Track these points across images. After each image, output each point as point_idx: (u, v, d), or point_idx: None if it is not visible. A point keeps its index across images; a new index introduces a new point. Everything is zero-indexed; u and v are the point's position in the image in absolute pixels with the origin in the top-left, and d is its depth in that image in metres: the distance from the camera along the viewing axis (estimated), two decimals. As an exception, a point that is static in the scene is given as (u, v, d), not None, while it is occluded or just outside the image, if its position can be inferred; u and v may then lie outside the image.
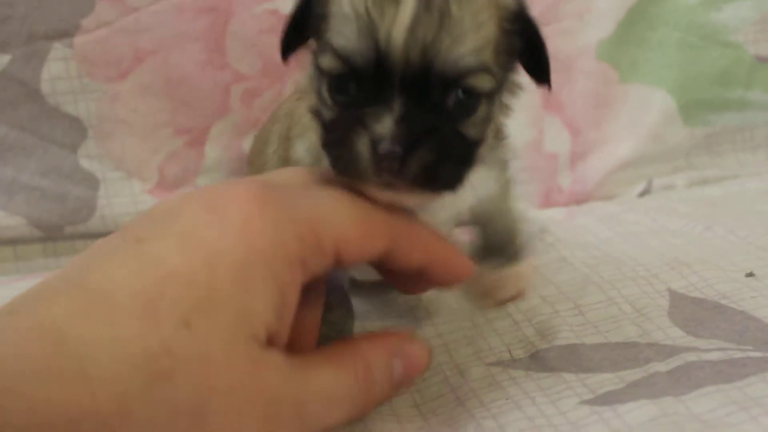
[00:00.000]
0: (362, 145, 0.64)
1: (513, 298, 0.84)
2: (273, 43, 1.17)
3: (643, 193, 1.29)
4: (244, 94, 1.20)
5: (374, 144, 0.63)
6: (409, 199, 0.67)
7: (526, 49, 0.72)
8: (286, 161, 0.86)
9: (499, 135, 0.80)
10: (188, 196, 0.62)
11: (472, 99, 0.68)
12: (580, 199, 1.27)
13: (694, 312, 0.87)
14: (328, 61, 0.67)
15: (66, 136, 1.18)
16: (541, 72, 0.74)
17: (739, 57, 1.30)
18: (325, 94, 0.70)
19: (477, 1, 0.67)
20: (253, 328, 0.56)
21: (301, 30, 0.73)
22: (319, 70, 0.69)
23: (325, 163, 0.69)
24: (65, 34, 1.15)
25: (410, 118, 0.64)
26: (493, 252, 0.86)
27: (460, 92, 0.67)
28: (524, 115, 1.25)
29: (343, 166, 0.66)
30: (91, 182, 1.19)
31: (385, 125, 0.63)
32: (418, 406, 0.78)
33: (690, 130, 1.31)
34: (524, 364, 0.82)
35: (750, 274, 0.94)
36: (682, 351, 0.79)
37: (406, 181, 0.64)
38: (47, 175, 1.17)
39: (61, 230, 1.19)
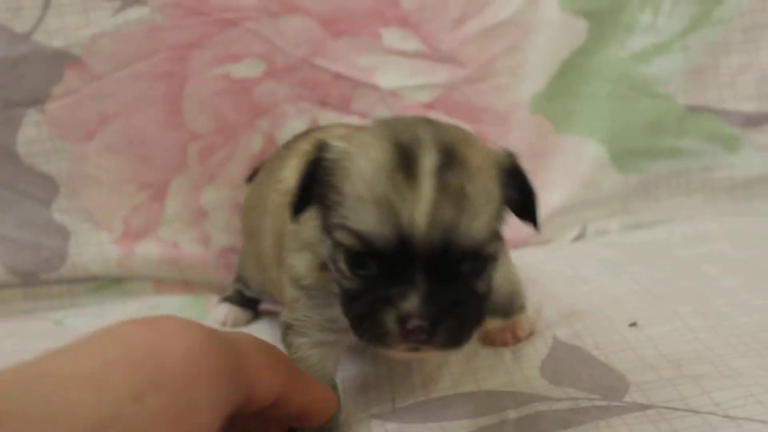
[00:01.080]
0: (391, 322, 0.69)
1: (525, 337, 1.01)
2: (225, 103, 1.30)
3: (578, 238, 1.36)
4: (200, 152, 1.31)
5: (402, 320, 0.68)
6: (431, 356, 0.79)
7: (519, 196, 0.78)
8: (281, 262, 0.90)
9: None
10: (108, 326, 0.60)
11: (483, 262, 0.73)
12: (517, 244, 1.34)
13: (566, 361, 0.95)
14: (346, 239, 0.71)
15: (40, 192, 1.30)
16: (530, 215, 0.80)
17: (669, 107, 1.36)
18: (343, 266, 0.73)
19: (484, 173, 0.71)
20: (195, 423, 0.56)
21: (308, 196, 0.77)
22: (335, 242, 0.73)
23: (329, 286, 0.79)
24: (38, 101, 1.27)
25: (434, 294, 0.69)
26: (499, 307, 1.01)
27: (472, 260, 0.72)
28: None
29: (370, 336, 0.71)
30: (63, 233, 1.31)
31: (412, 303, 0.68)
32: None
33: (624, 177, 1.37)
34: (400, 416, 0.90)
35: (633, 324, 1.01)
36: (537, 400, 0.87)
37: (433, 347, 0.70)
38: (23, 228, 1.30)
39: (37, 276, 1.31)
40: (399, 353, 0.72)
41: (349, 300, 0.74)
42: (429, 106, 1.33)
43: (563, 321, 1.04)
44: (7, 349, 1.17)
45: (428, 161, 0.70)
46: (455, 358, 0.99)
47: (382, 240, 0.69)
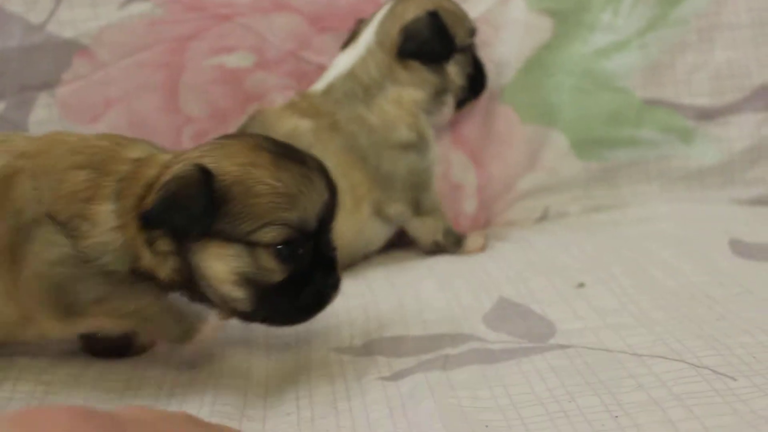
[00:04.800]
0: None
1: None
2: (219, 91, 1.43)
3: (540, 219, 1.47)
4: (194, 135, 1.43)
5: None
6: None
7: None
8: None
9: None
10: None
11: None
12: (483, 224, 1.46)
13: (506, 313, 1.07)
14: None
15: (50, 169, 1.43)
16: None
17: (627, 100, 1.47)
18: None
19: None
20: None
21: None
22: None
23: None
24: (49, 85, 1.40)
25: None
26: None
27: None
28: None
29: None
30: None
31: None
32: (269, 373, 0.99)
33: (586, 164, 1.48)
34: (356, 351, 1.02)
35: (581, 285, 1.13)
36: (473, 340, 0.98)
37: None
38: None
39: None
40: None
41: None
42: (405, 95, 1.45)
43: (508, 283, 1.16)
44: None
45: None
46: (409, 307, 1.11)
47: None
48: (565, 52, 1.47)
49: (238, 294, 0.89)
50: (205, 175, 0.86)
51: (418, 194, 1.33)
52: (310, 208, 0.89)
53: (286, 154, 0.90)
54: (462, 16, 1.37)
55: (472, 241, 1.35)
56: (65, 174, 0.91)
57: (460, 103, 1.41)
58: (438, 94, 1.36)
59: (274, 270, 0.88)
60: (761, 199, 1.47)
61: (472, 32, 1.38)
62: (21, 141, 0.96)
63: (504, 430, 0.78)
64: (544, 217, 1.47)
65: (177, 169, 0.88)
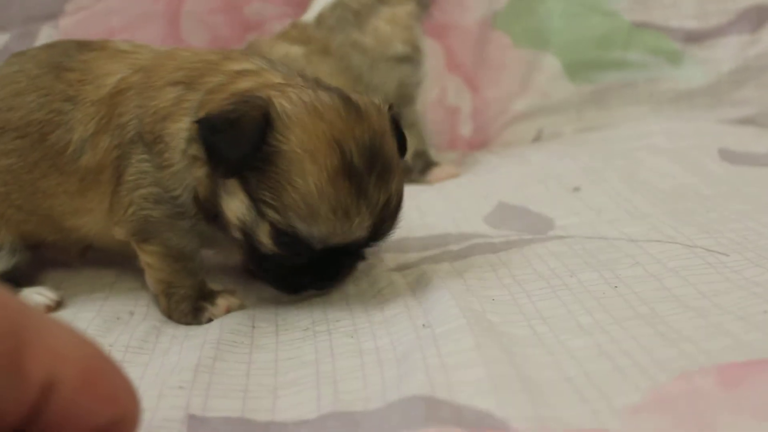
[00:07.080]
0: None
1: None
2: (219, 20, 1.45)
3: (535, 140, 1.52)
4: (196, 63, 1.47)
5: None
6: None
7: None
8: None
9: None
10: None
11: None
12: (479, 145, 1.51)
13: (505, 214, 1.12)
14: None
15: (54, 99, 1.46)
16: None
17: (616, 23, 1.52)
18: None
19: None
20: None
21: None
22: None
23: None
24: (52, 16, 1.43)
25: None
26: None
27: None
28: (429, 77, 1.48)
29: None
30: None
31: None
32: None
33: (577, 87, 1.53)
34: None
35: (576, 189, 1.17)
36: (476, 237, 1.03)
37: None
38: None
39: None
40: None
41: None
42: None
43: (508, 190, 1.20)
44: None
45: None
46: (408, 214, 1.14)
47: None
48: (556, -23, 1.51)
49: (237, 235, 0.85)
50: (267, 125, 0.79)
51: (401, 108, 1.33)
52: (327, 235, 0.81)
53: (360, 172, 0.80)
54: None
55: (441, 169, 1.35)
56: (159, 91, 0.87)
57: None
58: None
59: (264, 244, 0.83)
60: (747, 119, 1.52)
61: None
62: (146, 54, 0.94)
63: (510, 303, 0.83)
64: (538, 138, 1.52)
65: (257, 97, 0.81)
